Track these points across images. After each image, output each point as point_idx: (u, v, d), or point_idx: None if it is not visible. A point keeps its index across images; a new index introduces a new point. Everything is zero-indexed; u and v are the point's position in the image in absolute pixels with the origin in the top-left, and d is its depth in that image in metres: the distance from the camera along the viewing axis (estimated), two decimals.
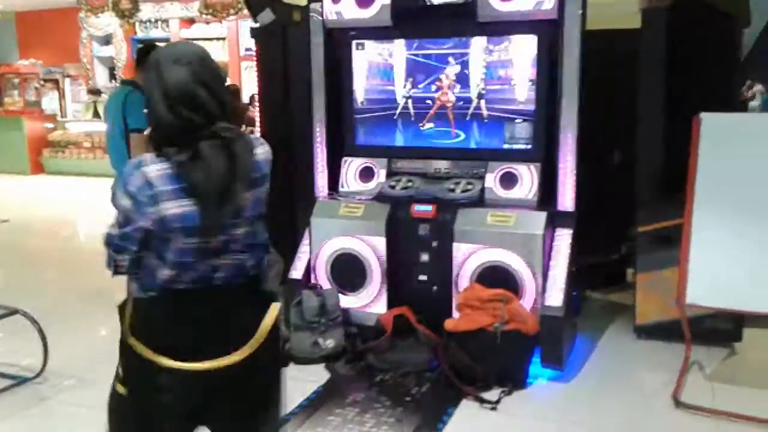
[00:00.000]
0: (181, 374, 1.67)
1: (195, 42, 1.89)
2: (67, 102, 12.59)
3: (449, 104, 4.00)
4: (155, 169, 1.63)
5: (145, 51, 4.06)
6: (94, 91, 11.85)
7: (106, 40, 12.01)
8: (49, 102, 12.53)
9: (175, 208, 1.63)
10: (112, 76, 12.15)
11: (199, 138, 1.62)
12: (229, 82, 10.73)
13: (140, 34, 11.62)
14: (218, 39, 11.04)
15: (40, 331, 3.53)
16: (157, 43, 6.02)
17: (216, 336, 1.70)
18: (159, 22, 11.42)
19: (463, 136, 4.00)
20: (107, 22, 11.45)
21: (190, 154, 1.61)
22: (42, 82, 12.40)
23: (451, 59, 3.96)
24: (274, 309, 1.78)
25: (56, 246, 7.26)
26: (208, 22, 11.01)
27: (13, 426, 3.24)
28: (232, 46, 10.82)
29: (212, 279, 1.71)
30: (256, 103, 5.07)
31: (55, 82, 12.52)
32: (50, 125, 12.48)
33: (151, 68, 1.67)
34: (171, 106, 1.63)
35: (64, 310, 4.76)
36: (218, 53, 11.11)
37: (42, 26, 12.80)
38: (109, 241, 1.71)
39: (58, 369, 3.67)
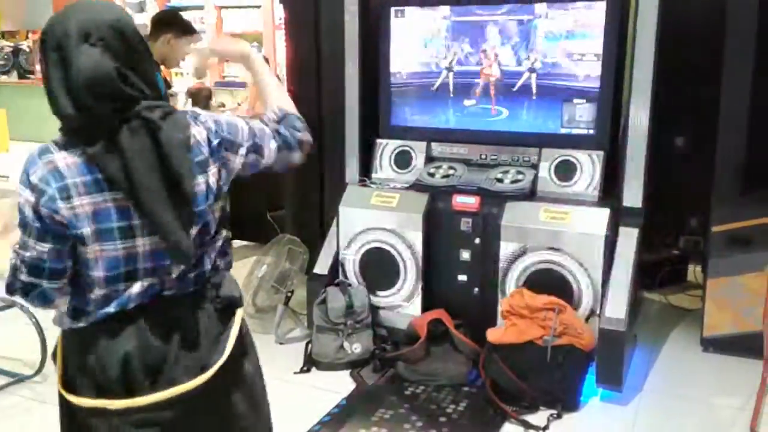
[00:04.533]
0: (129, 413, 1.39)
1: (102, 1, 1.47)
2: None
3: (492, 79, 3.52)
4: (63, 157, 1.34)
5: (158, 20, 3.67)
6: None
7: (140, 7, 11.71)
8: None
9: (88, 204, 1.34)
10: None
11: (115, 125, 1.33)
12: (263, 52, 10.34)
13: (174, 1, 11.30)
14: (253, 7, 10.65)
15: (37, 326, 3.21)
16: (171, 9, 5.56)
17: (168, 360, 1.43)
18: None
19: (505, 113, 3.53)
20: None
21: (105, 145, 1.32)
22: None
23: (502, 28, 3.46)
24: (238, 317, 1.55)
25: None
26: None
27: (10, 428, 2.97)
28: (267, 14, 10.40)
29: (158, 292, 1.45)
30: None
31: None
32: None
33: (49, 48, 1.34)
34: (77, 99, 1.32)
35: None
36: (253, 22, 10.73)
37: None
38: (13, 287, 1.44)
39: None
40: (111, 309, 1.41)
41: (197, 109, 1.50)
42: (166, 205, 1.33)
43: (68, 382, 1.46)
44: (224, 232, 1.55)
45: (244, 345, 1.58)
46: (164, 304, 1.44)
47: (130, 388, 1.40)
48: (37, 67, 12.41)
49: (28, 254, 1.38)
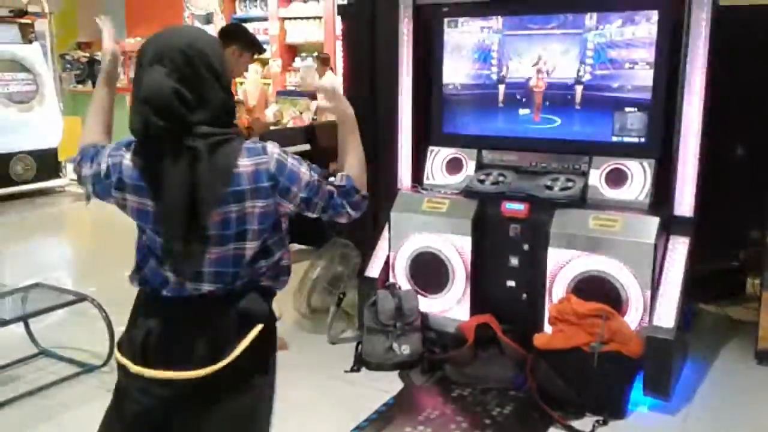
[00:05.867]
0: (135, 379, 1.59)
1: (192, 27, 1.64)
2: None
3: (542, 90, 3.56)
4: (129, 158, 1.57)
5: (224, 32, 3.84)
6: None
7: (207, 19, 12.16)
8: None
9: (134, 201, 1.57)
10: None
11: (166, 149, 1.49)
12: (316, 57, 10.53)
13: (240, 13, 11.69)
14: (315, 18, 10.92)
15: (107, 319, 3.42)
16: (239, 23, 5.82)
17: (176, 346, 1.59)
18: (258, 1, 11.42)
19: (558, 122, 3.56)
20: (208, 0, 11.57)
21: (154, 164, 1.51)
22: None
23: (554, 40, 3.51)
24: (255, 331, 1.61)
25: None
26: (305, 1, 10.91)
27: (80, 415, 3.15)
28: (329, 25, 10.65)
29: (166, 289, 1.61)
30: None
31: None
32: None
33: (136, 65, 1.55)
34: (139, 112, 1.49)
35: (133, 295, 4.69)
36: (314, 33, 10.98)
37: (149, 5, 13.11)
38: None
39: None
40: (147, 288, 1.63)
41: (269, 145, 1.57)
42: (182, 227, 1.50)
43: (121, 340, 1.68)
44: (268, 259, 1.62)
45: (256, 360, 1.61)
46: (194, 301, 1.59)
47: (147, 359, 1.59)
48: None
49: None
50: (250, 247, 1.58)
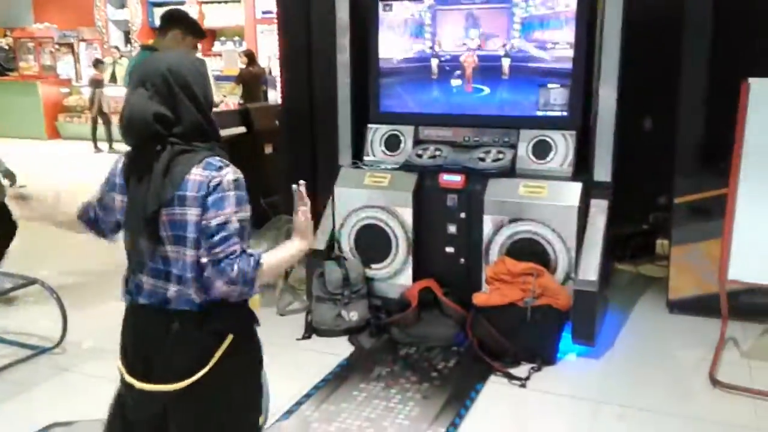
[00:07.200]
0: (130, 389, 1.74)
1: (180, 52, 1.83)
2: (82, 66, 12.44)
3: (472, 61, 3.81)
4: (121, 160, 1.77)
5: (168, 17, 3.89)
6: (97, 63, 11.01)
7: (121, 3, 11.84)
8: (64, 66, 12.41)
9: (120, 201, 1.74)
10: (128, 40, 11.98)
11: (144, 151, 1.67)
12: (244, 46, 10.53)
13: None
14: (234, 2, 10.85)
15: (59, 301, 3.45)
16: (180, 8, 5.81)
17: (144, 359, 1.71)
18: None
19: (486, 91, 3.82)
20: None
21: (132, 159, 1.72)
22: (57, 47, 12.26)
23: (483, 14, 3.76)
24: (225, 344, 1.71)
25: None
26: None
27: (32, 396, 3.19)
28: (249, 9, 10.63)
29: (141, 296, 1.73)
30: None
31: (70, 46, 12.37)
32: (65, 90, 12.38)
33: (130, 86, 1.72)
34: (126, 128, 1.68)
35: (83, 280, 4.70)
36: (234, 17, 10.91)
37: None
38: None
39: (77, 339, 3.60)
40: (128, 295, 1.76)
41: (230, 169, 1.66)
42: (138, 222, 1.67)
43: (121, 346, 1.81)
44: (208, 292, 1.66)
45: (226, 365, 1.69)
46: (166, 314, 1.69)
47: (130, 370, 1.75)
48: (20, 64, 12.50)
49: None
50: (199, 254, 1.64)
